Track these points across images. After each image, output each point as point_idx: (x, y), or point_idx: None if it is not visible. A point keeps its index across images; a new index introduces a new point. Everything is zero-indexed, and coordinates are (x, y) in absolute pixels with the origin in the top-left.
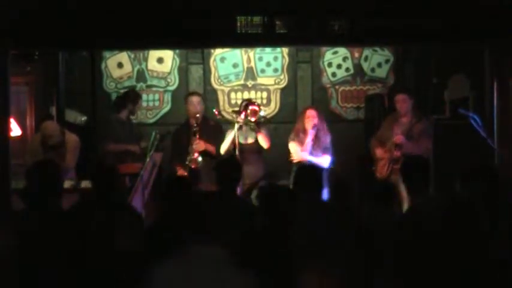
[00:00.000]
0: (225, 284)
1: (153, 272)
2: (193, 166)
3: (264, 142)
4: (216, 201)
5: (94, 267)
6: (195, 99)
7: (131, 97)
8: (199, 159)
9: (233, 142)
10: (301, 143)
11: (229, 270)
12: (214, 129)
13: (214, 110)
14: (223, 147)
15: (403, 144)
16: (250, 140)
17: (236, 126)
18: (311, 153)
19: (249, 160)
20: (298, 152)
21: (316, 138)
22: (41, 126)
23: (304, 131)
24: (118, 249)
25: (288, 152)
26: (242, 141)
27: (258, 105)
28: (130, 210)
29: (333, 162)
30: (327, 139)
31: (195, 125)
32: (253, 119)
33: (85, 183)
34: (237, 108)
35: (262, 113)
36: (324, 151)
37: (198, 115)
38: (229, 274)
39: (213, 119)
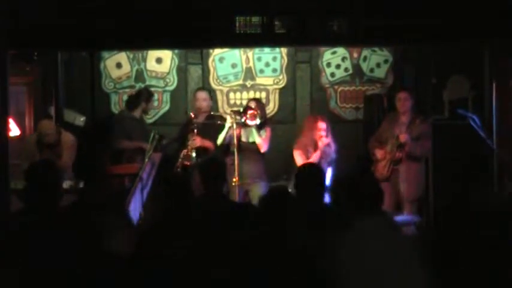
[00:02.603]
0: (396, 252)
1: (332, 249)
2: (187, 163)
3: (261, 145)
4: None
5: (84, 269)
6: (199, 95)
7: (145, 95)
8: (193, 155)
9: (231, 138)
10: (307, 155)
11: (397, 237)
12: (217, 126)
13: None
14: (220, 139)
15: (407, 143)
16: (252, 139)
17: (229, 121)
18: None
19: (248, 159)
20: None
21: (324, 153)
22: (38, 125)
23: (314, 144)
24: (104, 251)
25: (287, 152)
26: (244, 139)
27: (259, 111)
28: (117, 213)
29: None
30: (332, 152)
31: (194, 121)
32: (251, 123)
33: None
34: (236, 108)
35: (258, 121)
36: (329, 164)
37: (202, 111)
38: (396, 242)
39: (217, 117)
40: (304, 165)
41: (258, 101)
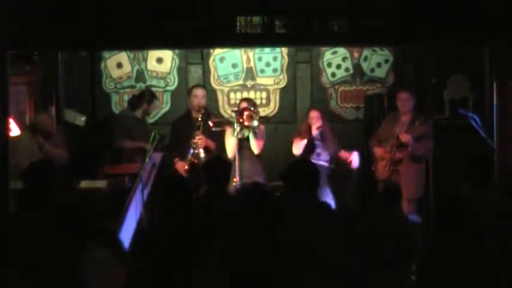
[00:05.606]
0: None
1: None
2: (195, 161)
3: (254, 147)
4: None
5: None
6: (199, 93)
7: (147, 97)
8: (202, 154)
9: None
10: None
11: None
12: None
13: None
14: (229, 150)
15: (408, 143)
16: (246, 134)
17: (235, 131)
18: (317, 154)
19: (246, 156)
20: (299, 145)
21: (321, 137)
22: (32, 120)
23: (308, 131)
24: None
25: (287, 152)
26: (239, 136)
27: (254, 110)
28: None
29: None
30: (331, 141)
31: (199, 119)
32: (246, 123)
33: (84, 183)
34: (236, 108)
35: (255, 123)
36: (332, 157)
37: (202, 109)
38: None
39: (214, 115)
40: (295, 162)
41: (248, 100)
